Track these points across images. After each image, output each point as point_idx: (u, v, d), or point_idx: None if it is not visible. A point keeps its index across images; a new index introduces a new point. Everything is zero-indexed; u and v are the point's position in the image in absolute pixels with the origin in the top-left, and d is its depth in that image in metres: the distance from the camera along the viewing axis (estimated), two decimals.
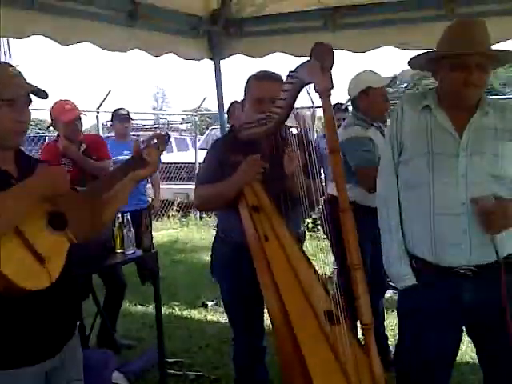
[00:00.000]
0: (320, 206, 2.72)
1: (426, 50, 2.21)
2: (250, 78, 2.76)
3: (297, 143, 2.46)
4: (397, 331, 2.53)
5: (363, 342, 2.02)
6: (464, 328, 2.25)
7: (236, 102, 5.51)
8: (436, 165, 2.11)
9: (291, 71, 2.23)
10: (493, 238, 2.05)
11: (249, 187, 2.58)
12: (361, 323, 1.97)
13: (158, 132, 2.36)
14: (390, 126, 2.27)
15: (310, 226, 8.04)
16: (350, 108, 3.88)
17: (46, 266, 1.69)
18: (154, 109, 43.69)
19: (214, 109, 21.03)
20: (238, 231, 2.55)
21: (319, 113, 9.38)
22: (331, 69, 2.04)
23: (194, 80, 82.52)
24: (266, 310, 2.75)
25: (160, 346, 3.56)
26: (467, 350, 3.70)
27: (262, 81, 2.69)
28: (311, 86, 2.10)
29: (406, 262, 2.20)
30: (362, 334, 2.02)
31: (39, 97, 1.84)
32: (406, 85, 25.84)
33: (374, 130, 3.52)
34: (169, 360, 3.81)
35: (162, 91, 53.06)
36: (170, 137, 2.33)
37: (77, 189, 1.98)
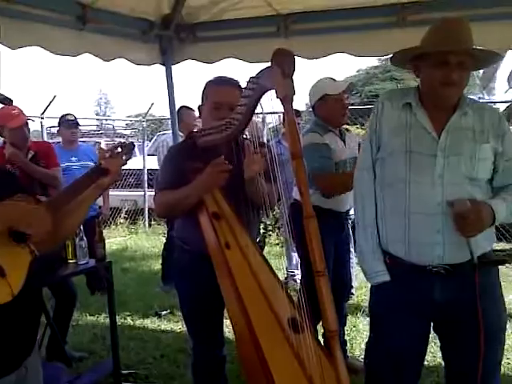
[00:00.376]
0: (274, 212, 2.71)
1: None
2: (207, 83, 2.72)
3: (256, 146, 2.43)
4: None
5: (327, 349, 2.02)
6: (432, 324, 2.27)
7: (184, 107, 5.46)
8: (413, 164, 2.12)
9: (252, 77, 2.21)
10: (468, 238, 2.07)
11: (209, 194, 2.54)
12: (326, 330, 1.96)
13: (124, 141, 2.31)
14: (370, 122, 2.28)
15: (261, 231, 8.04)
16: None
17: (7, 279, 1.61)
18: (97, 114, 43.00)
19: (159, 114, 20.69)
20: (197, 239, 2.50)
21: (268, 119, 9.45)
22: (292, 75, 2.04)
23: (138, 85, 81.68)
24: (225, 319, 2.74)
25: (115, 358, 3.46)
26: (437, 350, 3.74)
27: (220, 86, 2.66)
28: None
29: (379, 258, 2.22)
30: (325, 340, 2.02)
31: (4, 103, 1.77)
32: None
33: (332, 136, 3.54)
34: (123, 372, 3.71)
35: (106, 96, 52.31)
36: (134, 146, 2.29)
37: (39, 199, 1.91)
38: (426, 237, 2.11)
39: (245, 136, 2.59)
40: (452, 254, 2.10)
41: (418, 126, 2.15)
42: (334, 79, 3.73)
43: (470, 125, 2.14)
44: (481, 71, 5.64)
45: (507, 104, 5.51)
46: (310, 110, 3.78)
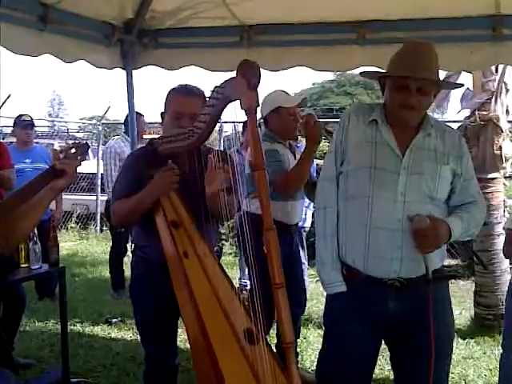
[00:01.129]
0: (228, 222, 2.72)
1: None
2: (170, 91, 2.71)
3: (219, 159, 2.43)
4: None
5: (282, 360, 2.03)
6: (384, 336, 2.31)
7: (137, 113, 5.42)
8: (377, 179, 2.16)
9: (217, 86, 2.22)
10: (424, 254, 2.12)
11: (168, 202, 2.52)
12: (282, 342, 1.97)
13: (78, 141, 2.28)
14: (336, 134, 2.30)
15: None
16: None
17: None
18: (49, 115, 42.15)
19: (113, 118, 20.39)
20: (155, 247, 2.48)
21: (225, 128, 9.46)
22: (257, 87, 2.06)
23: (93, 87, 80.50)
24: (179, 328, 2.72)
25: (64, 366, 3.39)
26: (386, 366, 3.80)
27: (182, 96, 2.64)
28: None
29: (337, 269, 2.24)
30: (281, 352, 2.03)
31: None
32: None
33: (282, 147, 3.58)
34: (72, 380, 3.63)
35: (59, 97, 51.40)
36: (89, 146, 2.26)
37: None
38: (385, 251, 2.15)
39: (208, 145, 2.59)
40: (408, 269, 2.15)
41: (383, 143, 2.19)
42: (286, 92, 3.79)
43: (433, 146, 2.20)
44: None
45: (459, 124, 5.65)
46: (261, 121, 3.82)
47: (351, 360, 2.24)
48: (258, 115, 2.43)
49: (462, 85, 2.67)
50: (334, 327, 2.31)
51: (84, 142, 2.25)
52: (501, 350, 3.32)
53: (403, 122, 2.19)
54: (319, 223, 2.28)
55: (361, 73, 2.45)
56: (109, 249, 8.77)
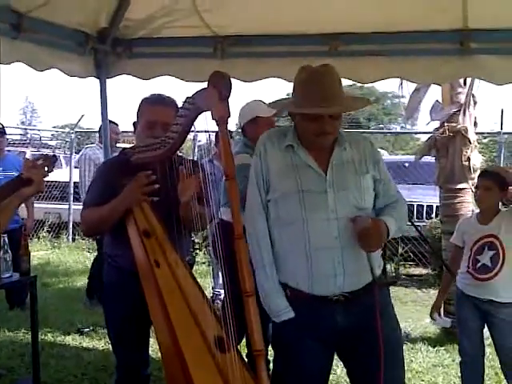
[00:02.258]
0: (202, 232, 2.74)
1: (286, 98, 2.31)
2: (142, 100, 2.72)
3: (191, 169, 2.46)
4: None
5: (253, 368, 2.05)
6: (337, 349, 2.32)
7: (109, 121, 5.41)
8: (307, 202, 2.17)
9: (188, 97, 2.24)
10: (369, 258, 2.17)
11: (139, 211, 2.53)
12: (253, 350, 2.00)
13: (47, 153, 2.31)
14: (255, 165, 2.29)
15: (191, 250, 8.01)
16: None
17: None
18: (22, 123, 41.64)
19: (87, 126, 20.33)
20: (127, 256, 2.49)
21: (199, 137, 9.48)
22: (228, 97, 2.09)
23: (66, 95, 79.79)
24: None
25: (35, 376, 3.36)
26: (342, 374, 3.85)
27: (155, 105, 2.67)
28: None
29: (282, 295, 2.23)
30: (251, 360, 2.06)
31: None
32: None
33: None
34: None
35: (32, 105, 50.84)
36: (57, 158, 2.30)
37: None
38: (328, 270, 2.16)
39: (180, 154, 2.61)
40: (351, 283, 2.18)
41: (304, 166, 2.21)
42: (264, 102, 3.82)
43: (350, 157, 2.25)
44: (406, 102, 5.95)
45: (428, 135, 5.76)
46: (239, 130, 3.84)
47: (305, 379, 2.25)
48: (230, 125, 2.45)
49: (369, 102, 2.69)
50: (287, 351, 2.27)
51: (52, 154, 2.29)
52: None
53: (319, 146, 2.23)
54: (255, 254, 2.24)
55: (269, 103, 2.42)
56: (81, 258, 8.83)
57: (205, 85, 2.13)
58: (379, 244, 2.18)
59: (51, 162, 2.25)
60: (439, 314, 3.52)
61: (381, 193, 2.31)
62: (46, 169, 2.22)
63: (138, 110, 2.71)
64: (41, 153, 12.01)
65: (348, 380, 3.75)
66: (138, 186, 2.48)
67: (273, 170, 2.24)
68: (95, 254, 6.21)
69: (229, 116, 2.10)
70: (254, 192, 2.27)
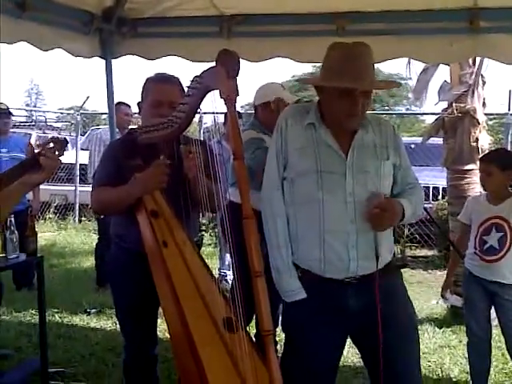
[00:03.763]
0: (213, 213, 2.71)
1: (314, 76, 2.27)
2: (147, 80, 2.70)
3: (198, 147, 2.43)
4: None
5: (261, 348, 2.05)
6: (349, 334, 2.30)
7: (120, 102, 5.39)
8: (325, 183, 2.14)
9: (196, 76, 2.21)
10: (376, 242, 2.15)
11: None
12: (261, 330, 1.99)
13: (56, 136, 2.26)
14: (275, 140, 2.25)
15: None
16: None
17: None
18: (27, 105, 41.59)
19: (92, 108, 20.19)
20: (134, 236, 2.49)
21: (205, 119, 9.44)
22: (237, 76, 2.06)
23: (71, 77, 79.57)
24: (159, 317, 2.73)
25: (43, 356, 3.38)
26: (348, 355, 3.87)
27: (160, 84, 2.65)
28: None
29: (294, 276, 2.21)
30: (260, 340, 2.05)
31: None
32: None
33: (268, 138, 3.57)
34: (50, 370, 3.62)
35: (37, 87, 50.72)
36: (67, 142, 2.24)
37: None
38: (341, 254, 2.14)
39: (187, 135, 2.59)
40: (364, 267, 2.16)
41: (324, 146, 2.17)
42: (283, 86, 3.77)
43: (371, 140, 2.21)
44: (411, 84, 5.90)
45: (437, 116, 5.71)
46: (248, 112, 3.80)
47: (315, 362, 2.22)
48: (238, 105, 2.42)
49: (400, 84, 2.65)
50: (298, 333, 2.25)
51: (63, 137, 2.22)
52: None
53: (348, 128, 2.18)
54: (271, 233, 2.22)
55: (298, 80, 2.40)
56: (87, 239, 8.85)
57: (211, 65, 2.11)
58: (391, 223, 2.16)
59: (62, 145, 2.19)
60: (451, 292, 3.51)
61: (399, 179, 2.28)
62: (57, 153, 2.15)
63: (143, 90, 2.68)
64: (46, 135, 12.01)
65: (355, 360, 3.83)
66: (157, 173, 2.43)
67: (292, 148, 2.20)
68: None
69: (237, 95, 2.07)
70: (273, 167, 2.24)
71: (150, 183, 2.46)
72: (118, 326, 2.89)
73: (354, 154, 2.17)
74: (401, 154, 2.28)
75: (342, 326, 2.23)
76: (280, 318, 2.47)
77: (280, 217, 2.22)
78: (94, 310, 5.10)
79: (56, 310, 5.07)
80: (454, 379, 3.89)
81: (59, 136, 2.22)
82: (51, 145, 2.11)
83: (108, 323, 4.80)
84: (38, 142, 2.20)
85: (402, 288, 2.33)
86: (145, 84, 2.70)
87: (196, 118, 9.09)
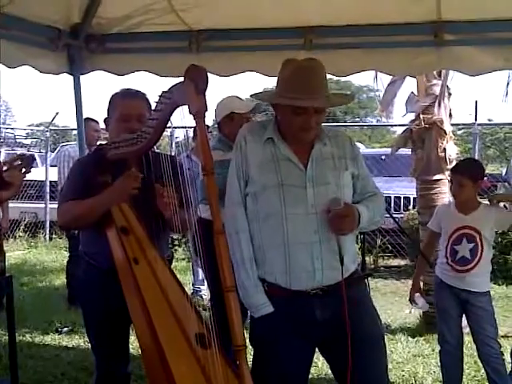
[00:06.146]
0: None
1: (269, 90, 2.29)
2: (113, 95, 2.70)
3: (169, 167, 2.40)
4: None
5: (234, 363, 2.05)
6: (317, 345, 2.31)
7: (87, 118, 5.35)
8: (287, 196, 2.16)
9: (164, 91, 2.22)
10: (341, 252, 2.18)
11: (117, 207, 2.50)
12: (233, 345, 1.99)
13: (23, 153, 2.25)
14: (235, 157, 2.28)
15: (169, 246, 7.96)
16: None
17: None
18: None
19: (62, 124, 19.99)
20: (104, 254, 2.46)
21: (177, 133, 9.44)
22: (205, 91, 2.07)
23: (40, 93, 78.82)
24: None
25: (14, 377, 3.30)
26: (324, 367, 3.87)
27: (128, 98, 2.65)
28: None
29: (261, 290, 2.21)
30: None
31: None
32: None
33: None
34: None
35: (6, 104, 50.07)
36: (34, 158, 2.23)
37: None
38: (306, 265, 2.16)
39: (157, 150, 2.58)
40: (329, 277, 2.18)
41: (284, 159, 2.20)
42: (240, 98, 3.82)
43: (329, 153, 2.25)
44: (381, 95, 5.97)
45: (404, 127, 5.80)
46: (215, 126, 3.82)
47: (286, 375, 2.22)
48: (208, 120, 2.43)
49: (353, 98, 2.69)
50: (266, 347, 2.25)
51: (29, 154, 2.23)
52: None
53: (303, 141, 2.22)
54: (235, 249, 2.21)
55: (253, 95, 2.37)
56: (58, 257, 8.73)
57: (180, 80, 2.11)
58: (351, 228, 2.18)
59: (28, 162, 2.19)
60: (421, 294, 3.54)
61: (359, 189, 2.31)
62: (24, 170, 2.15)
63: (109, 106, 2.68)
64: (15, 152, 11.86)
65: (330, 372, 3.82)
66: (128, 183, 2.43)
67: (252, 163, 2.22)
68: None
69: (206, 110, 2.08)
70: (235, 184, 2.26)
71: (121, 192, 2.45)
72: (89, 344, 2.85)
73: (313, 166, 2.20)
74: (358, 164, 2.31)
75: (309, 338, 2.24)
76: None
77: (243, 232, 2.23)
78: (65, 329, 5.03)
79: (27, 330, 4.98)
80: None
81: (26, 153, 2.21)
82: (18, 162, 2.10)
83: (80, 342, 4.73)
84: (5, 160, 2.18)
85: (367, 297, 2.36)
86: (111, 100, 2.69)
87: (167, 133, 9.09)
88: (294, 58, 2.23)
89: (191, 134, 5.30)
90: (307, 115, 2.12)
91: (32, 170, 2.26)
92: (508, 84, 5.63)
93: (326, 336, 2.24)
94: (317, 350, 2.34)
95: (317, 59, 2.20)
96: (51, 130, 11.49)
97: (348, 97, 2.52)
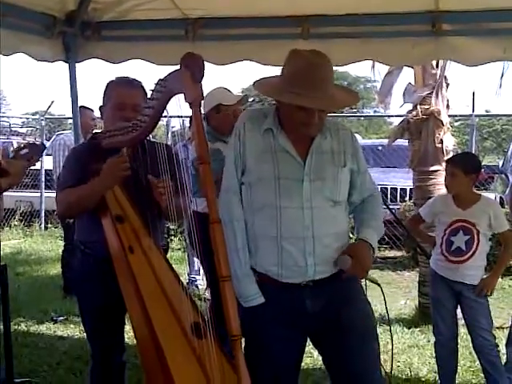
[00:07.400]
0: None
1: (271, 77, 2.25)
2: (109, 83, 2.67)
3: (165, 156, 2.38)
4: None
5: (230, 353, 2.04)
6: (308, 335, 2.31)
7: (82, 106, 5.32)
8: (282, 189, 2.13)
9: (160, 79, 2.20)
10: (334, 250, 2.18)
11: (112, 196, 2.49)
12: (229, 335, 1.98)
13: (32, 141, 2.23)
14: (234, 145, 2.23)
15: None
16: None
17: None
18: None
19: (58, 112, 19.94)
20: (99, 243, 2.46)
21: (173, 123, 9.40)
22: (201, 79, 2.05)
23: (36, 82, 78.47)
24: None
25: (8, 366, 3.29)
26: (319, 358, 3.86)
27: (123, 87, 2.63)
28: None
29: (253, 281, 2.20)
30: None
31: None
32: None
33: (222, 145, 3.56)
34: (16, 380, 3.53)
35: (1, 92, 49.85)
36: (45, 147, 2.20)
37: None
38: (298, 260, 2.14)
39: (153, 140, 2.57)
40: (321, 272, 2.17)
41: (282, 152, 2.16)
42: (228, 90, 3.81)
43: (329, 148, 2.21)
44: (378, 86, 5.95)
45: (402, 118, 5.78)
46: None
47: (277, 365, 2.22)
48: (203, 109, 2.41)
49: (359, 98, 2.65)
50: (255, 336, 2.22)
51: (40, 142, 2.19)
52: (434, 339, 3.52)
53: (305, 136, 2.19)
54: (229, 237, 2.15)
55: (254, 83, 2.27)
56: (54, 246, 8.71)
57: (175, 68, 2.09)
58: (366, 269, 2.18)
59: (37, 150, 2.15)
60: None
61: (357, 184, 2.29)
62: (33, 158, 2.12)
63: (105, 94, 2.65)
64: (10, 141, 11.81)
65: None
66: (116, 164, 2.39)
67: (250, 153, 2.19)
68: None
69: (202, 98, 2.06)
70: (232, 171, 2.22)
71: (110, 175, 2.40)
72: (85, 333, 2.84)
73: (311, 161, 2.17)
74: (358, 159, 2.28)
75: (300, 328, 2.23)
76: None
77: (238, 221, 2.21)
78: (60, 318, 5.02)
79: (22, 319, 4.97)
80: (423, 379, 3.93)
81: (36, 141, 2.20)
82: (25, 150, 2.08)
83: (75, 331, 4.72)
84: (14, 147, 2.15)
85: (359, 289, 2.34)
86: (106, 88, 2.67)
87: (163, 122, 9.05)
88: (302, 51, 2.14)
89: (187, 123, 5.27)
90: (311, 112, 2.07)
91: (38, 161, 2.21)
92: (502, 76, 5.63)
93: (317, 327, 2.24)
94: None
95: (325, 54, 2.12)
96: (47, 118, 11.42)
97: (353, 94, 2.37)
